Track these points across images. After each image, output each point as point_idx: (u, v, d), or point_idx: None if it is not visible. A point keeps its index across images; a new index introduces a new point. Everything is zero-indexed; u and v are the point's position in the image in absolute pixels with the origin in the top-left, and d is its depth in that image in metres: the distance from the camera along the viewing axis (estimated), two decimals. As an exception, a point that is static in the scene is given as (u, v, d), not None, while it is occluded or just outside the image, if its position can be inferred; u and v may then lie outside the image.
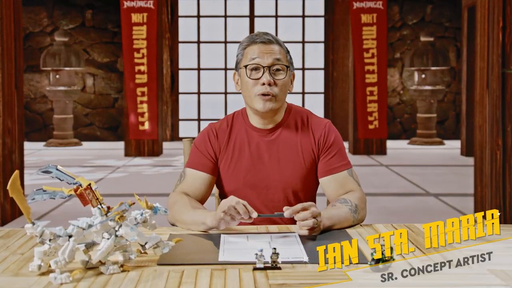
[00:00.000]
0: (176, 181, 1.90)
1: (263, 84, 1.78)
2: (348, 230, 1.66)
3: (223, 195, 1.92)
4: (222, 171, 1.87)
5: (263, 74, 1.79)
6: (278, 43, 1.83)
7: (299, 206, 1.56)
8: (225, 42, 10.28)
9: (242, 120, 1.89)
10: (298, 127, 1.87)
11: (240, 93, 1.89)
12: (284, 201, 1.82)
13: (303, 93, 10.37)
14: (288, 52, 1.86)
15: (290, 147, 1.85)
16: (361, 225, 1.74)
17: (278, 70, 1.81)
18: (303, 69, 10.34)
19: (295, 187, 1.84)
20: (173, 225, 1.77)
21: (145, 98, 7.98)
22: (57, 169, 1.37)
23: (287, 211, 1.56)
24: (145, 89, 7.97)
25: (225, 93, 10.32)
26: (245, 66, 1.81)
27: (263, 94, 1.78)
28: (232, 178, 1.86)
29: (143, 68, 7.95)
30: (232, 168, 1.86)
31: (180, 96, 10.32)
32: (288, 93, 1.87)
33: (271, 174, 1.84)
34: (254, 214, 1.57)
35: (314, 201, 1.92)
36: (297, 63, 10.03)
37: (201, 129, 8.72)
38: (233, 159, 1.86)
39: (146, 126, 8.00)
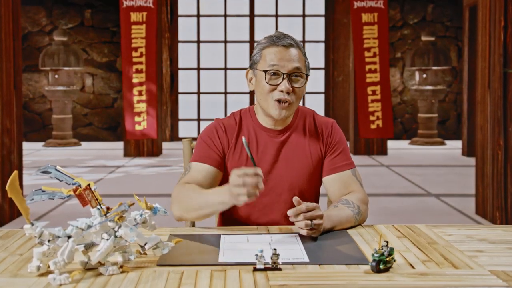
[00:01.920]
0: (180, 175, 1.88)
1: (281, 91, 1.77)
2: (349, 230, 1.66)
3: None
4: (229, 169, 1.84)
5: (282, 81, 1.77)
6: (298, 46, 1.81)
7: (303, 207, 1.54)
8: (225, 42, 10.27)
9: (250, 119, 1.88)
10: (306, 128, 1.87)
11: (250, 92, 1.87)
12: (290, 201, 1.79)
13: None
14: (305, 55, 1.84)
15: (300, 149, 1.85)
16: (362, 225, 1.73)
17: (296, 76, 1.79)
18: (303, 69, 10.33)
19: (302, 187, 1.84)
20: (179, 220, 1.74)
21: (143, 97, 7.91)
22: (56, 170, 1.36)
23: (291, 215, 1.53)
24: (143, 88, 7.90)
25: (225, 93, 10.31)
26: (265, 71, 1.78)
27: (280, 101, 1.77)
28: None
29: (140, 67, 7.90)
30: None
31: (180, 96, 10.32)
32: None
33: (279, 174, 1.83)
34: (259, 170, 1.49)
35: (318, 199, 1.92)
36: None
37: (201, 129, 8.68)
38: (241, 158, 1.84)
39: (143, 125, 7.93)
